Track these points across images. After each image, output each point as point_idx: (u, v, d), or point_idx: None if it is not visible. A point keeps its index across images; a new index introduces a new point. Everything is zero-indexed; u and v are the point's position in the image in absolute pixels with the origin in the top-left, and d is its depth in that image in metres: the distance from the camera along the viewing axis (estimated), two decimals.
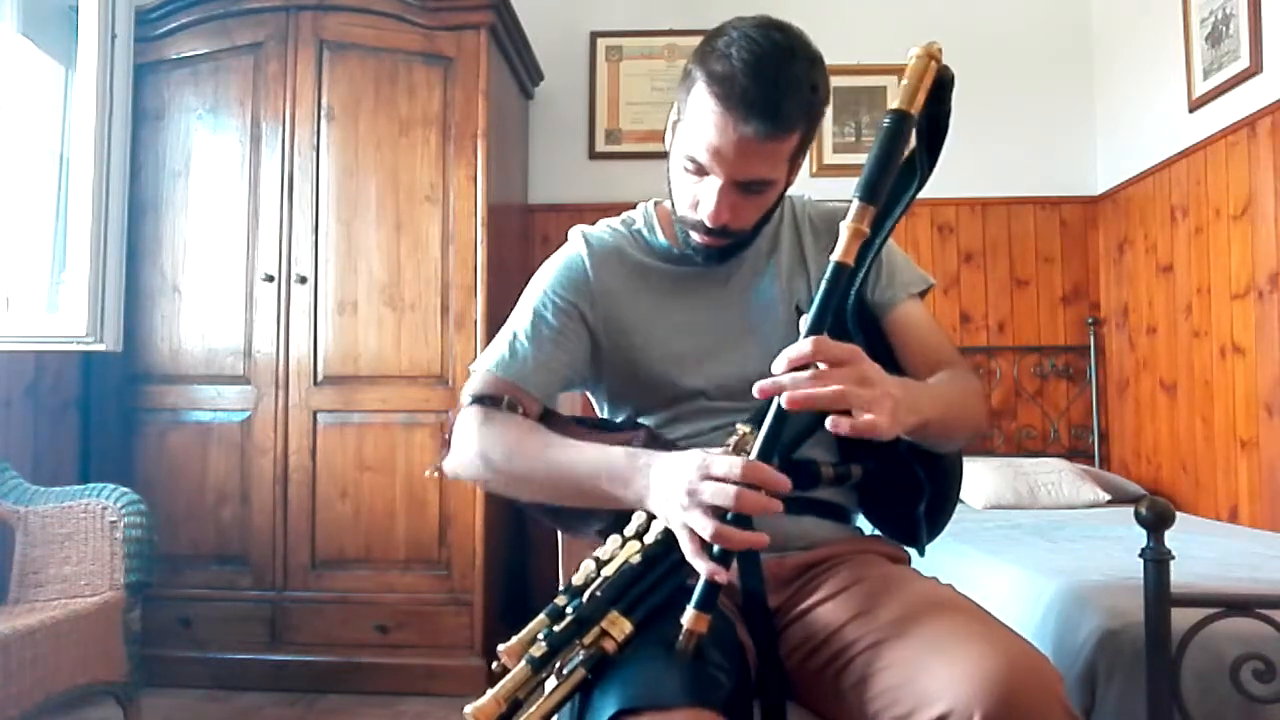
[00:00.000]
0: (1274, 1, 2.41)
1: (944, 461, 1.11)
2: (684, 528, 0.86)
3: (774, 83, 0.97)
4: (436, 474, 1.12)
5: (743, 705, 0.93)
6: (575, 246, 1.21)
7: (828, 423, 0.84)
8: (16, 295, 2.54)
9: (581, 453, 1.01)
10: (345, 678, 2.56)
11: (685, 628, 0.83)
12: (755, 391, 0.84)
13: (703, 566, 0.84)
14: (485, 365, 1.14)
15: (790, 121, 0.99)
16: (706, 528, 0.83)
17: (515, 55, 3.01)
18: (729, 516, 0.84)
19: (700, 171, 1.04)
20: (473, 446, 1.07)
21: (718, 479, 0.85)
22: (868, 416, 0.83)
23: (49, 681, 1.76)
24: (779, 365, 0.85)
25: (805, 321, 0.87)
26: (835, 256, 0.86)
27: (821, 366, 0.84)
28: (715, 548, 0.84)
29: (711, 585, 0.84)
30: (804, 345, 0.84)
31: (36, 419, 2.57)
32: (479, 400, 1.10)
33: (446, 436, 1.11)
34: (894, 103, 0.90)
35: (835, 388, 0.83)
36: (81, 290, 2.39)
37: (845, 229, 0.87)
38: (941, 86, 0.93)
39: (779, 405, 0.85)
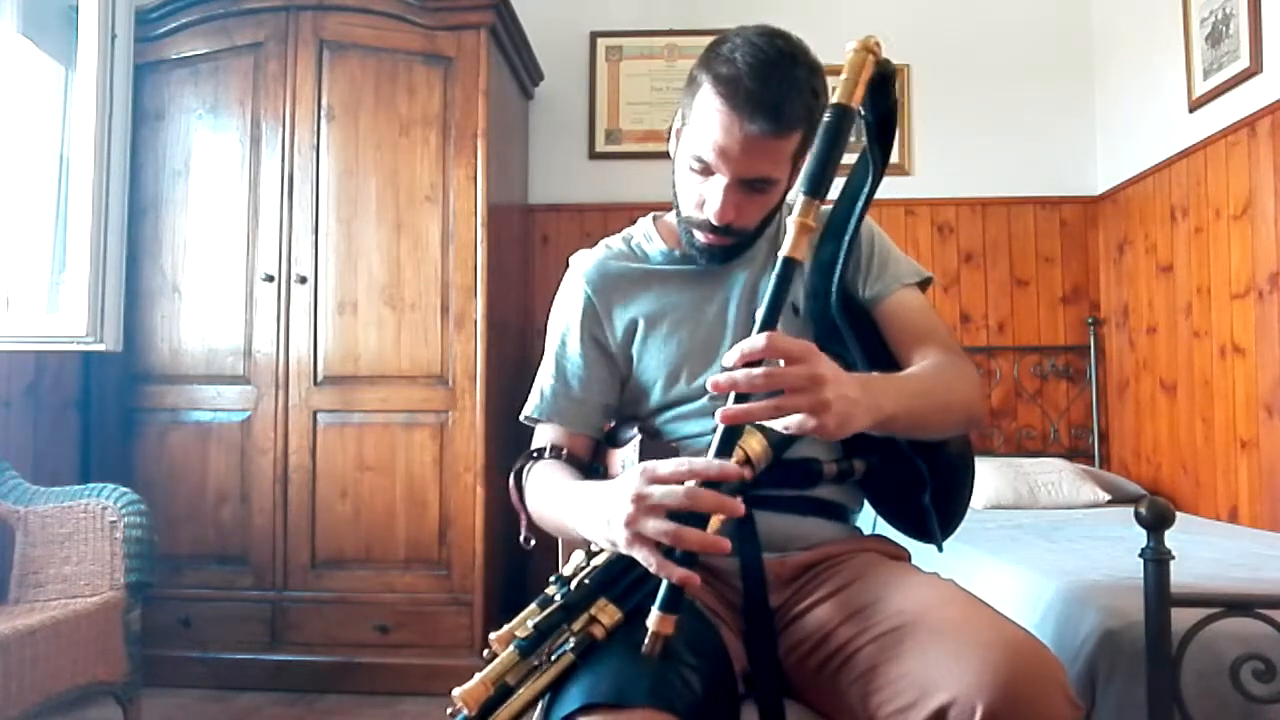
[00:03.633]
0: (1274, 1, 2.41)
1: (946, 452, 1.11)
2: (638, 541, 0.83)
3: (777, 84, 1.00)
4: (531, 544, 1.18)
5: (725, 709, 0.93)
6: (574, 280, 1.25)
7: (778, 424, 0.85)
8: (16, 295, 2.54)
9: (558, 499, 1.05)
10: (345, 678, 2.56)
11: (650, 630, 0.83)
12: (709, 387, 0.83)
13: (675, 575, 0.81)
14: (530, 413, 1.22)
15: (792, 121, 1.02)
16: (666, 531, 0.81)
17: (515, 55, 3.01)
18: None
19: (706, 171, 1.07)
20: (530, 508, 1.15)
21: (665, 479, 0.83)
22: (812, 421, 0.83)
23: (49, 681, 1.76)
24: (731, 359, 0.84)
25: (757, 316, 0.86)
26: (783, 252, 0.86)
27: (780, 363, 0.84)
28: (677, 552, 0.82)
29: (676, 587, 0.82)
30: (757, 340, 0.83)
31: (36, 419, 2.57)
32: (528, 458, 1.17)
33: (521, 507, 1.17)
34: (833, 97, 0.91)
35: (769, 403, 0.82)
36: (81, 290, 2.39)
37: (791, 223, 0.87)
38: (884, 80, 0.96)
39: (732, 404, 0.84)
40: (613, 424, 1.25)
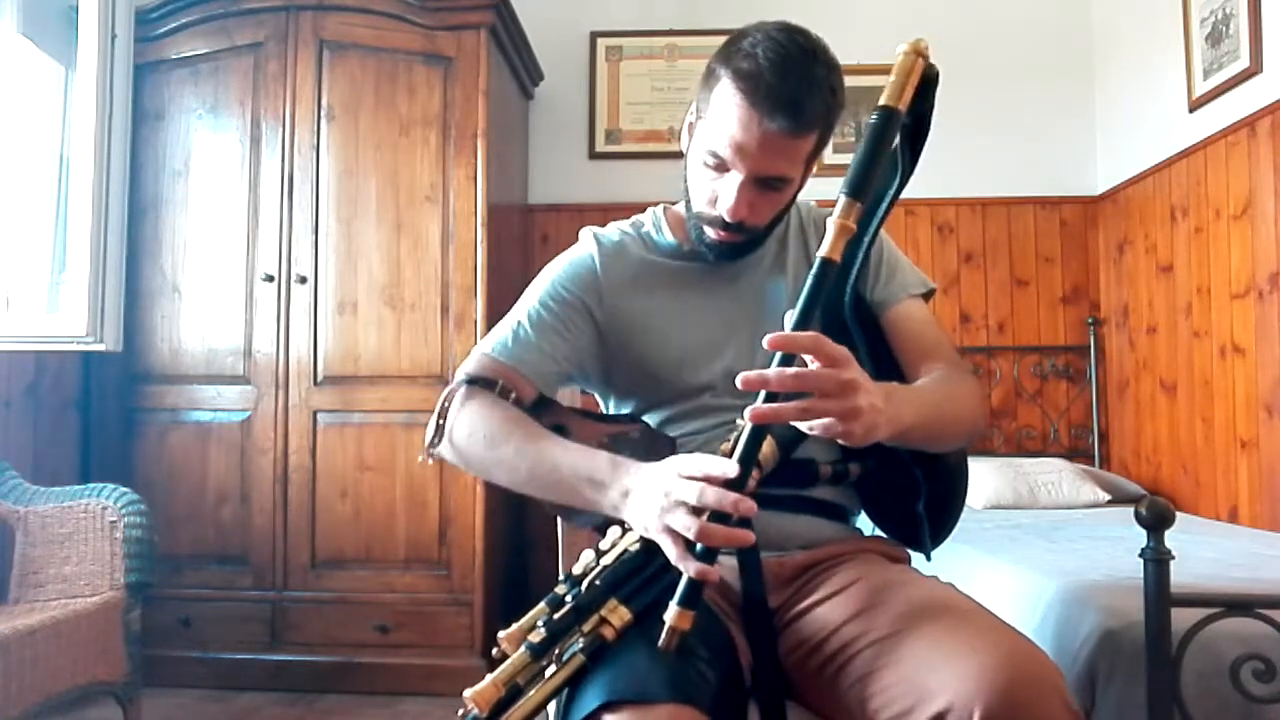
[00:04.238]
0: (1274, 1, 2.41)
1: (944, 462, 1.11)
2: (665, 532, 0.85)
3: (797, 81, 0.99)
4: (429, 460, 1.10)
5: (735, 703, 0.93)
6: (586, 245, 1.22)
7: (802, 425, 0.85)
8: (16, 295, 2.54)
9: (566, 451, 1.00)
10: (345, 678, 2.56)
11: (668, 624, 0.83)
12: (739, 383, 0.82)
13: (691, 568, 0.83)
14: (485, 349, 1.14)
15: (812, 120, 1.02)
16: (690, 527, 0.83)
17: (515, 55, 3.01)
18: (706, 518, 0.83)
19: (721, 167, 1.06)
20: (459, 428, 1.06)
21: (694, 479, 0.85)
22: (839, 426, 0.83)
23: (49, 681, 1.76)
24: (770, 343, 0.82)
25: (790, 316, 0.86)
26: (822, 253, 0.86)
27: (809, 364, 0.83)
28: (699, 547, 0.83)
29: (695, 582, 0.83)
30: (803, 335, 0.83)
31: (36, 419, 2.57)
32: (472, 381, 1.09)
33: (440, 420, 1.08)
34: (881, 99, 0.90)
35: (799, 404, 0.82)
36: (81, 290, 2.39)
37: (832, 225, 0.87)
38: (927, 84, 0.94)
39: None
40: (609, 408, 1.24)
